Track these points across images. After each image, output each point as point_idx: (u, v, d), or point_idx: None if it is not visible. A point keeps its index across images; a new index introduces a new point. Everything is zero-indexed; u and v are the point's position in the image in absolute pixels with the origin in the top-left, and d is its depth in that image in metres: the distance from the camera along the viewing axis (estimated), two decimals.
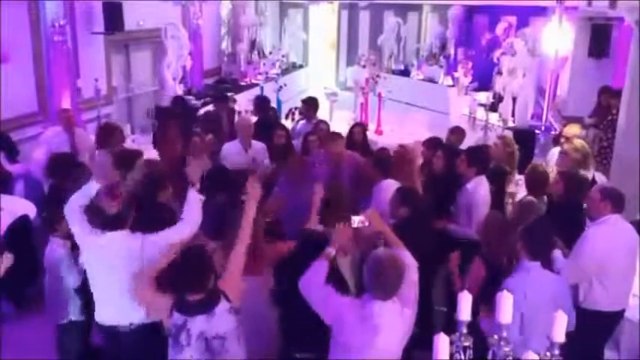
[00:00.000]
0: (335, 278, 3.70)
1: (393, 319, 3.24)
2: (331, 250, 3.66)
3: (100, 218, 3.89)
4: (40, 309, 4.92)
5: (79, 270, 4.40)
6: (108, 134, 6.35)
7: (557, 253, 4.36)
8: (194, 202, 4.08)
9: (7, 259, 3.96)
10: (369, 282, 3.27)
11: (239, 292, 3.44)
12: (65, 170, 5.45)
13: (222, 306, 3.32)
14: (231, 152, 6.65)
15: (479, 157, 5.56)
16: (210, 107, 10.16)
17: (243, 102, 11.19)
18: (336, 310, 3.34)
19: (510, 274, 3.89)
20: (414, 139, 6.99)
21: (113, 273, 3.86)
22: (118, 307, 3.93)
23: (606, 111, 8.46)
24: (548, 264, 4.12)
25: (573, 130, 6.55)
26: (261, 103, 8.85)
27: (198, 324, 3.27)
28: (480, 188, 5.33)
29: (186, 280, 3.29)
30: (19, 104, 7.91)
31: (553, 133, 9.78)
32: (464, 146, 6.88)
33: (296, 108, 10.44)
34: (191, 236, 3.95)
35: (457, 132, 6.98)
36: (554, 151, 6.88)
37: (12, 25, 7.72)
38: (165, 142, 6.35)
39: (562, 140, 6.58)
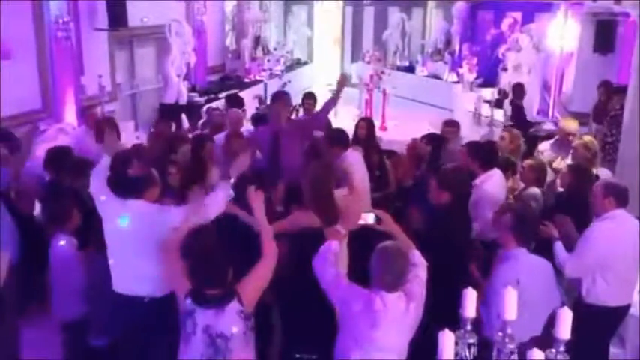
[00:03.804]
0: None
1: (398, 314, 3.23)
2: (341, 229, 3.61)
3: (121, 184, 3.96)
4: (41, 309, 4.88)
5: (85, 268, 4.39)
6: (101, 131, 6.22)
7: (559, 247, 4.34)
8: (222, 192, 3.96)
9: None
10: (375, 272, 3.26)
11: (254, 300, 3.35)
12: (63, 165, 5.45)
13: (233, 306, 3.24)
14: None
15: (480, 151, 5.38)
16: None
17: (247, 99, 11.13)
18: (343, 295, 3.35)
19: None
20: (418, 136, 6.91)
21: (130, 242, 3.88)
22: (135, 277, 3.92)
23: (605, 105, 8.41)
24: (549, 256, 4.12)
25: (569, 124, 6.53)
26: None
27: (205, 316, 3.24)
28: (485, 184, 5.08)
29: (206, 275, 3.25)
30: (23, 101, 7.89)
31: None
32: None
33: (300, 105, 10.43)
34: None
35: (452, 124, 6.76)
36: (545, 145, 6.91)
37: (15, 22, 7.70)
38: None
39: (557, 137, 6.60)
